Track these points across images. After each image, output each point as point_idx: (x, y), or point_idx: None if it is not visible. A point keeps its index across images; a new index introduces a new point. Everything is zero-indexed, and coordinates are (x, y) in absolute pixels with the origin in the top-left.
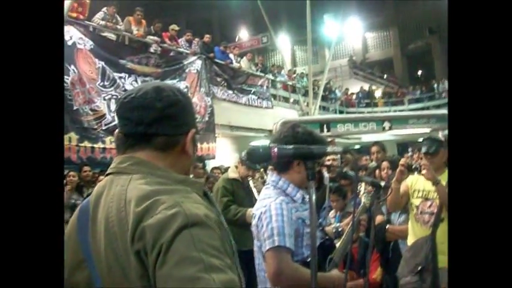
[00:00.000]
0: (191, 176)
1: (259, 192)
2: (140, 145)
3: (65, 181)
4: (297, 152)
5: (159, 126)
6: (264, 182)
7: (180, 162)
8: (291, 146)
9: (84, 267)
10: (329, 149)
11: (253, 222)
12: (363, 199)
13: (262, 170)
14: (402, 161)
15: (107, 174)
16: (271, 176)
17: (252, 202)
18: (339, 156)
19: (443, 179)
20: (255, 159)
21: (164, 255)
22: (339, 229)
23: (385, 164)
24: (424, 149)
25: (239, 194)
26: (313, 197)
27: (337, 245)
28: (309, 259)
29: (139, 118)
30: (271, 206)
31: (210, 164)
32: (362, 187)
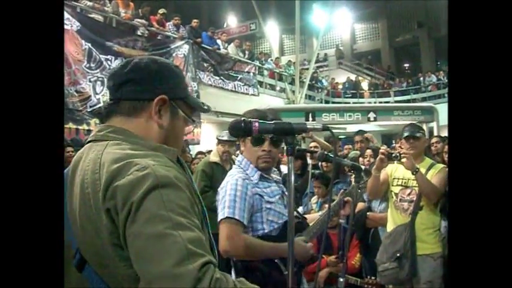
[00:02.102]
0: None
1: None
2: (112, 112)
3: None
4: (278, 127)
5: (123, 90)
6: None
7: (150, 131)
8: (271, 122)
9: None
10: (309, 125)
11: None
12: (353, 182)
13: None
14: (382, 149)
15: (87, 142)
16: (238, 157)
17: None
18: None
19: (422, 167)
20: (236, 133)
21: (134, 213)
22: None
23: (368, 151)
24: (406, 133)
25: (219, 177)
26: (292, 173)
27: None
28: (273, 233)
29: (110, 85)
30: (229, 182)
31: (194, 149)
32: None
